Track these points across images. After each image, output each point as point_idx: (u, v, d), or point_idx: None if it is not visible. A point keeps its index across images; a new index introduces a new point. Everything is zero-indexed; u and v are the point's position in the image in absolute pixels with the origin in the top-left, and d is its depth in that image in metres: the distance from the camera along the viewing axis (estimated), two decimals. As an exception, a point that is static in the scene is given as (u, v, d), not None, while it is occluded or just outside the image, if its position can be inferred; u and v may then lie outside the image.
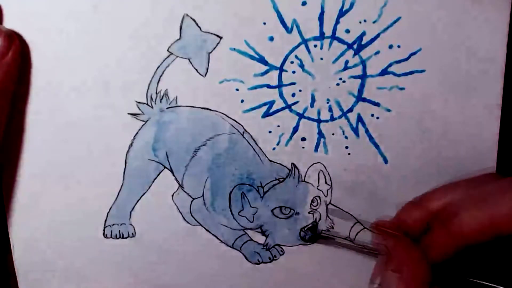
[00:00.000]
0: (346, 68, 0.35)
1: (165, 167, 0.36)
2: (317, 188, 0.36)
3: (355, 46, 0.34)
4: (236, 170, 0.36)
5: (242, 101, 0.35)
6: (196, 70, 0.34)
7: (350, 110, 0.35)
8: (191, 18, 0.33)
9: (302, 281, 0.38)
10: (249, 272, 0.38)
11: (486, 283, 0.30)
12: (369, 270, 0.38)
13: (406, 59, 0.35)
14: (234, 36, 0.34)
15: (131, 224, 0.37)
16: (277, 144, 0.36)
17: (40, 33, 0.33)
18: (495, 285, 0.30)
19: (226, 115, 0.35)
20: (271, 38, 0.34)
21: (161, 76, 0.34)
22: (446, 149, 0.36)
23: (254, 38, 0.34)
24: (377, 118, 0.36)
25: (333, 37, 0.34)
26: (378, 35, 0.34)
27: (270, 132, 0.36)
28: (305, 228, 0.37)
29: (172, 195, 0.37)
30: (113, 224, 0.37)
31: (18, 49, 0.32)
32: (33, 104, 0.34)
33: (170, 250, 0.37)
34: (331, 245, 0.37)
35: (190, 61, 0.34)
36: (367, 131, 0.36)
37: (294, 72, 0.35)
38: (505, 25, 0.34)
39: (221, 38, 0.34)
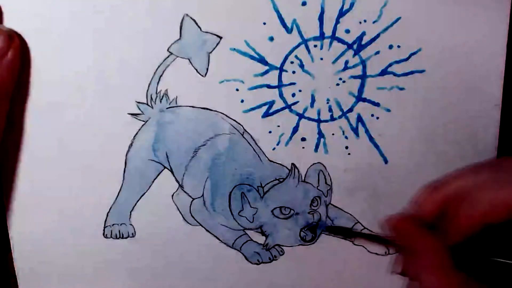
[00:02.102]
0: (346, 68, 0.35)
1: (165, 167, 0.36)
2: (317, 188, 0.36)
3: (355, 46, 0.34)
4: (236, 170, 0.36)
5: (242, 101, 0.35)
6: (196, 70, 0.34)
7: (350, 110, 0.35)
8: (191, 18, 0.33)
9: (302, 281, 0.38)
10: (249, 272, 0.38)
11: (509, 261, 0.30)
12: (368, 270, 0.38)
13: (406, 59, 0.35)
14: (234, 36, 0.34)
15: (131, 224, 0.37)
16: (277, 144, 0.36)
17: (40, 33, 0.33)
18: None
19: (226, 115, 0.35)
20: (271, 38, 0.34)
21: (161, 76, 0.34)
22: (446, 149, 0.36)
23: (254, 38, 0.34)
24: (377, 118, 0.36)
25: (333, 37, 0.34)
26: (378, 35, 0.34)
27: (270, 132, 0.36)
28: (305, 229, 0.37)
29: (172, 195, 0.36)
30: (113, 224, 0.37)
31: (18, 49, 0.32)
32: (33, 104, 0.34)
33: (170, 250, 0.37)
34: (331, 246, 0.37)
35: (190, 61, 0.34)
36: (367, 131, 0.36)
37: (294, 72, 0.35)
38: (505, 25, 0.34)
39: (221, 38, 0.34)
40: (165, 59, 0.34)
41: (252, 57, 0.34)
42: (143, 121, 0.35)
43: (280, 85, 0.35)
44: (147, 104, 0.35)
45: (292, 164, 0.36)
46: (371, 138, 0.36)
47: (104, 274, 0.37)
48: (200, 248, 0.37)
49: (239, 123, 0.35)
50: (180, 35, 0.34)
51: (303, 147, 0.36)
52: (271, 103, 0.35)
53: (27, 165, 0.35)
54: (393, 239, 0.32)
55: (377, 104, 0.35)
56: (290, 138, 0.36)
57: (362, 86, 0.35)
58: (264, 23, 0.34)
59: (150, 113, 0.35)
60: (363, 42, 0.34)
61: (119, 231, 0.37)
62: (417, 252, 0.30)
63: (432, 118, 0.35)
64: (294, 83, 0.35)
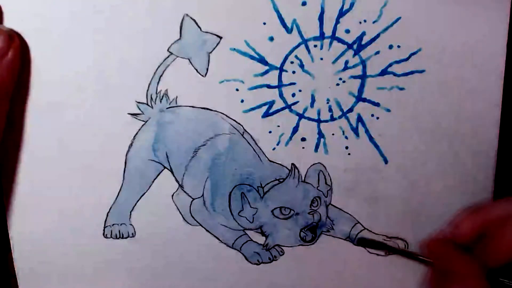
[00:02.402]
0: (346, 68, 0.35)
1: (165, 167, 0.36)
2: (317, 189, 0.36)
3: (355, 46, 0.34)
4: (236, 170, 0.36)
5: (242, 101, 0.35)
6: (196, 70, 0.34)
7: (350, 110, 0.35)
8: (191, 18, 0.33)
9: (302, 281, 0.38)
10: (249, 272, 0.38)
11: None
12: (368, 271, 0.38)
13: (406, 59, 0.35)
14: (234, 36, 0.34)
15: (131, 224, 0.37)
16: (277, 144, 0.36)
17: (40, 33, 0.33)
18: None
19: (226, 115, 0.35)
20: (271, 38, 0.34)
21: (161, 76, 0.34)
22: (445, 149, 0.36)
23: (254, 38, 0.34)
24: (377, 118, 0.36)
25: (333, 37, 0.34)
26: (378, 35, 0.34)
27: (270, 132, 0.36)
28: (305, 229, 0.37)
29: (172, 195, 0.36)
30: (113, 224, 0.37)
31: (18, 48, 0.32)
32: (33, 104, 0.34)
33: (170, 250, 0.37)
34: (331, 246, 0.37)
35: (190, 61, 0.34)
36: (367, 131, 0.36)
37: (294, 72, 0.35)
38: (505, 25, 0.34)
39: (221, 38, 0.34)
40: (165, 59, 0.34)
41: (252, 57, 0.34)
42: (143, 121, 0.35)
43: (280, 85, 0.35)
44: (147, 104, 0.35)
45: (292, 164, 0.36)
46: (371, 138, 0.36)
47: (104, 274, 0.37)
48: (200, 248, 0.37)
49: (239, 123, 0.35)
50: (180, 35, 0.34)
51: (303, 147, 0.36)
52: (271, 103, 0.35)
53: (27, 165, 0.35)
54: (428, 258, 0.32)
55: (377, 104, 0.35)
56: (290, 138, 0.36)
57: (362, 86, 0.35)
58: (264, 23, 0.34)
59: (150, 113, 0.35)
60: (363, 42, 0.34)
61: (119, 231, 0.37)
62: (454, 275, 0.29)
63: (432, 118, 0.35)
64: (294, 83, 0.35)
